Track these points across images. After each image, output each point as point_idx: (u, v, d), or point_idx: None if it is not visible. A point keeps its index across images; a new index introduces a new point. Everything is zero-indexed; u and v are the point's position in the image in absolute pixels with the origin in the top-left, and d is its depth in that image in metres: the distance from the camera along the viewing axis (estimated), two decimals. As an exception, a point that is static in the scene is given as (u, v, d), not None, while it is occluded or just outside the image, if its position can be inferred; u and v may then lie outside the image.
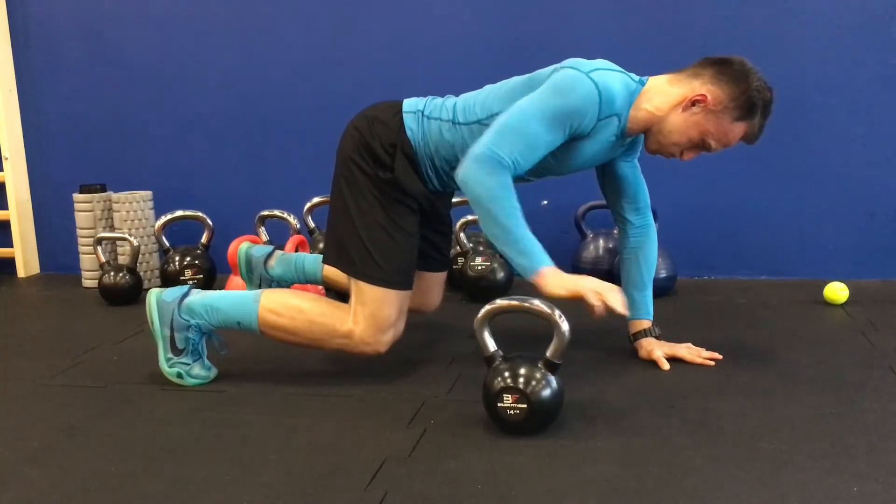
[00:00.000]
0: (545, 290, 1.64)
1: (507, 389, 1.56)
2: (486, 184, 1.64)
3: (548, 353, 1.58)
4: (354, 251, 1.84)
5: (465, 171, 1.66)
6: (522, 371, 1.57)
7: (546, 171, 1.85)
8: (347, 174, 1.87)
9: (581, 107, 1.67)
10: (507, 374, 1.57)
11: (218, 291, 1.95)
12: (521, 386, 1.55)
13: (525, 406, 1.55)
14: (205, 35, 3.16)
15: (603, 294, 1.61)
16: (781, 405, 1.69)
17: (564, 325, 1.56)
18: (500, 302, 1.62)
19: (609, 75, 1.70)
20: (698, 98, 1.71)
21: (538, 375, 1.56)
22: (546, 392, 1.56)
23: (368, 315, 1.82)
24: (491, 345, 1.63)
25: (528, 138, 1.66)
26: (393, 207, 1.84)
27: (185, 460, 1.51)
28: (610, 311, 1.61)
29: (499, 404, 1.57)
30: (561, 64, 1.75)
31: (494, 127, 1.69)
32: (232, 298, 1.90)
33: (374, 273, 1.82)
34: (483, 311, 1.62)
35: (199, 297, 1.90)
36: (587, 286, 1.62)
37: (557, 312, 1.56)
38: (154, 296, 1.89)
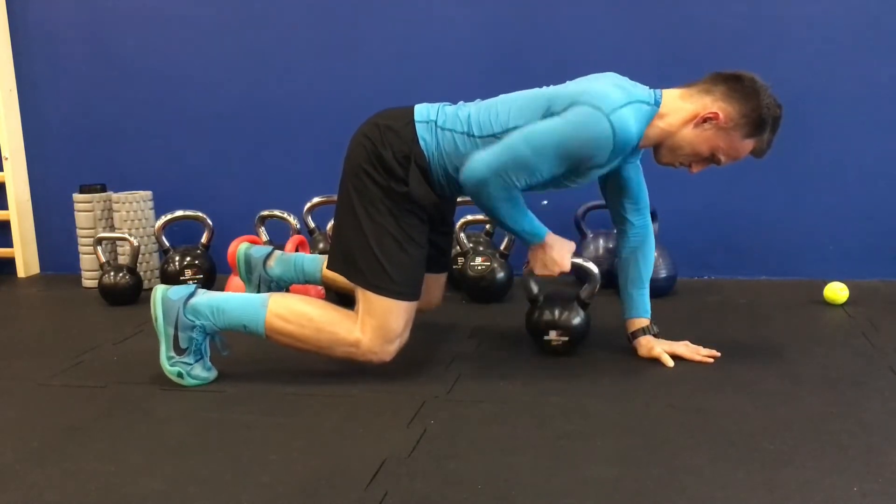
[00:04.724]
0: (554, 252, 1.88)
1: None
2: (493, 200, 1.74)
3: (581, 294, 2.02)
4: (364, 262, 1.82)
5: (471, 187, 1.74)
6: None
7: (553, 187, 1.87)
8: (358, 184, 1.84)
9: (594, 148, 1.70)
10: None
11: (223, 293, 1.94)
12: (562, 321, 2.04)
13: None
14: (205, 35, 3.16)
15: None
16: (781, 405, 1.69)
17: (596, 272, 1.98)
18: None
19: (629, 114, 1.69)
20: (710, 116, 1.73)
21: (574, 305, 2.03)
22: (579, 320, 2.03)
23: (377, 326, 1.82)
24: (536, 288, 2.07)
25: (530, 167, 1.71)
26: (405, 219, 1.83)
27: (185, 460, 1.51)
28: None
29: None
30: (584, 92, 1.71)
31: (502, 146, 1.71)
32: (238, 301, 1.89)
33: (385, 285, 1.81)
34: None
35: (205, 298, 1.89)
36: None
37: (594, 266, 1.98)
38: (159, 292, 1.88)
